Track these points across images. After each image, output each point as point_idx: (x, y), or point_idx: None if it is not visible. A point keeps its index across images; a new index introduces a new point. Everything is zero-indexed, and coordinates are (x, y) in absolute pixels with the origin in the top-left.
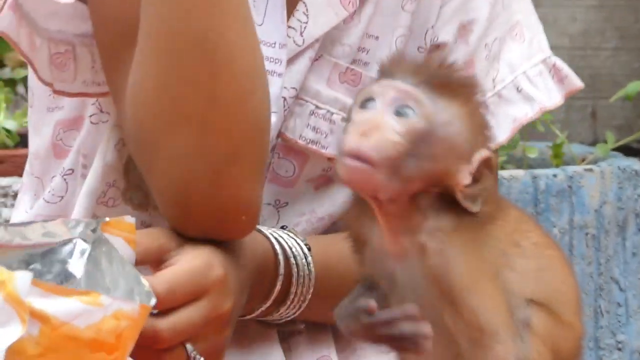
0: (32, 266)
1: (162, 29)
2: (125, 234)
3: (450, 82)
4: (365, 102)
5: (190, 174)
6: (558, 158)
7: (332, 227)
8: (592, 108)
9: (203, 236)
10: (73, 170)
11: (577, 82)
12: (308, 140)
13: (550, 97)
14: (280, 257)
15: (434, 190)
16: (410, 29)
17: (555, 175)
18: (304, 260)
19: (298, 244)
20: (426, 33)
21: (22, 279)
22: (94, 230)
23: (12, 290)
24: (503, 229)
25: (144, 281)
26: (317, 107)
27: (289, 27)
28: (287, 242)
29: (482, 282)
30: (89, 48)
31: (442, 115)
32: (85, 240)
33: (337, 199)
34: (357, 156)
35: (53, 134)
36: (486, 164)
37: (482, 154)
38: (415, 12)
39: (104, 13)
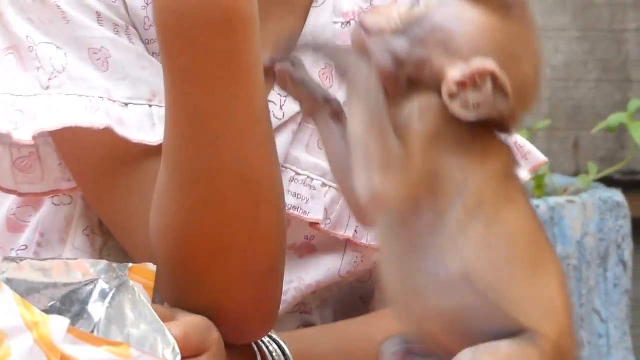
0: (51, 303)
1: (196, 163)
2: (145, 281)
3: None
4: None
5: (236, 292)
6: (540, 189)
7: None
8: (574, 139)
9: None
10: (27, 247)
11: (540, 157)
12: (289, 206)
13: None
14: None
15: (427, 80)
16: None
17: (537, 207)
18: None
19: (280, 347)
20: None
21: (58, 324)
22: (118, 275)
23: (45, 334)
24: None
25: (171, 337)
26: (297, 173)
27: (269, 101)
28: (267, 347)
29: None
30: (53, 146)
31: (446, 9)
32: (107, 283)
33: (322, 266)
34: (361, 26)
35: (8, 208)
36: (493, 78)
37: (485, 63)
38: None
39: (79, 145)
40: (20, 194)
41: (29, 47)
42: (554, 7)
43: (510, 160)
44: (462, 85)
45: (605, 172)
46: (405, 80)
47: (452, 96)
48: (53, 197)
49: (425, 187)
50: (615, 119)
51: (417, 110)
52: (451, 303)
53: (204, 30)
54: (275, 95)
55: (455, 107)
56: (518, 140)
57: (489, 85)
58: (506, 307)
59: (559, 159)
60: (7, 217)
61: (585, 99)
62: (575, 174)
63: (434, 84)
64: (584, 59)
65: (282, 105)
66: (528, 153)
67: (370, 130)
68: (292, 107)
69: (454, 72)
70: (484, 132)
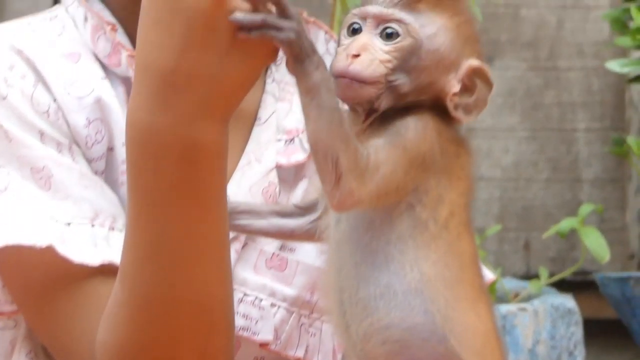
0: None
1: (152, 286)
2: None
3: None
4: (351, 29)
5: None
6: (491, 294)
7: None
8: (525, 240)
9: None
10: None
11: (489, 275)
12: (239, 328)
13: None
14: None
15: (427, 101)
16: None
17: None
18: None
19: None
20: None
21: None
22: None
23: None
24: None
25: None
26: (245, 294)
27: None
28: None
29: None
30: None
31: (426, 29)
32: None
33: None
34: (347, 75)
35: None
36: (478, 74)
37: (471, 62)
38: None
39: (20, 264)
40: None
41: None
42: (502, 108)
43: (473, 182)
44: (460, 93)
45: (557, 277)
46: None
47: (456, 107)
48: None
49: (395, 197)
50: (566, 224)
51: (413, 128)
52: (399, 319)
53: (165, 159)
54: None
55: (461, 115)
56: None
57: (479, 84)
58: (448, 330)
59: (510, 260)
60: None
61: (535, 199)
62: (527, 275)
63: (427, 101)
64: (533, 159)
65: None
66: None
67: (333, 133)
68: None
69: (453, 86)
70: (463, 149)
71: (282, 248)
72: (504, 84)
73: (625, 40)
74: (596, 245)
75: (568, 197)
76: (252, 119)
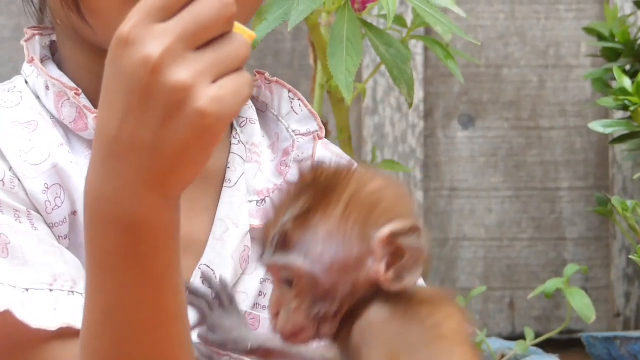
0: None
1: (109, 354)
2: None
3: (299, 224)
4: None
5: None
6: None
7: None
8: (509, 299)
9: None
10: None
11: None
12: None
13: None
14: None
15: (363, 298)
16: None
17: None
18: None
19: None
20: None
21: None
22: None
23: None
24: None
25: None
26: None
27: None
28: None
29: None
30: None
31: (312, 254)
32: None
33: None
34: (281, 336)
35: None
36: (396, 236)
37: (380, 234)
38: None
39: None
40: None
41: None
42: (485, 168)
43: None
44: (391, 265)
45: (543, 338)
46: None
47: (392, 282)
48: None
49: None
50: (551, 284)
51: (369, 332)
52: None
53: (111, 228)
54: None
55: (398, 287)
56: None
57: (404, 242)
58: None
59: (495, 319)
60: None
61: (519, 258)
62: (512, 335)
63: (369, 294)
64: (517, 219)
65: None
66: None
67: None
68: None
69: (378, 269)
70: (438, 307)
71: (254, 306)
72: (487, 144)
73: (607, 101)
74: (582, 305)
75: (552, 256)
76: (220, 181)
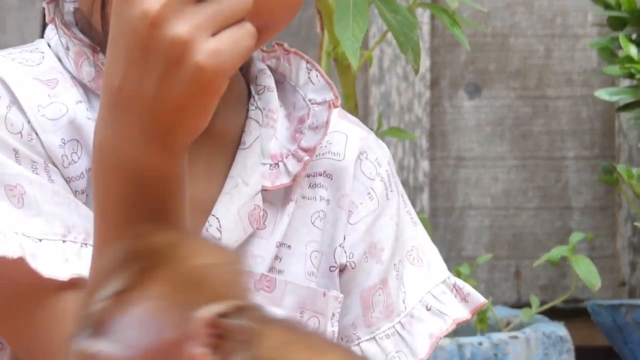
0: None
1: None
2: None
3: (116, 303)
4: None
5: None
6: (483, 323)
7: None
8: (515, 268)
9: None
10: None
11: (480, 299)
12: None
13: (459, 311)
14: None
15: None
16: (321, 245)
17: (480, 344)
18: None
19: None
20: (335, 252)
21: None
22: None
23: None
24: None
25: None
26: None
27: None
28: None
29: None
30: None
31: (125, 343)
32: None
33: None
34: None
35: None
36: (217, 320)
37: (200, 317)
38: (323, 230)
39: None
40: None
41: None
42: (491, 137)
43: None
44: (213, 353)
45: (548, 305)
46: None
47: None
48: None
49: None
50: (556, 252)
51: None
52: None
53: (113, 177)
54: (210, 238)
55: None
56: (457, 282)
57: (228, 329)
58: None
59: (500, 288)
60: None
61: (525, 227)
62: (518, 303)
63: None
64: (523, 187)
65: None
66: (467, 295)
67: None
68: None
69: (200, 352)
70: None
71: (270, 269)
72: (493, 113)
73: (614, 70)
74: (587, 273)
75: (558, 225)
76: (235, 144)
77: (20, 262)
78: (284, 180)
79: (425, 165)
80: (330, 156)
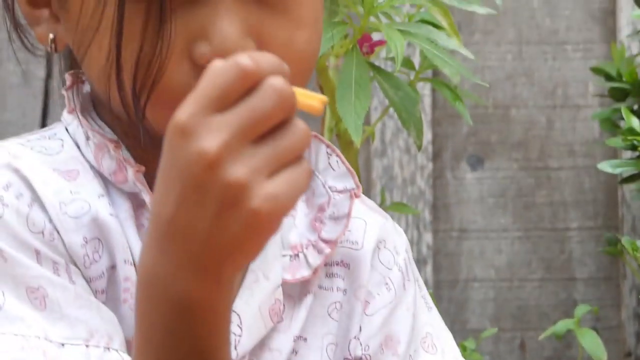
0: None
1: None
2: None
3: None
4: None
5: None
6: None
7: None
8: (520, 340)
9: None
10: None
11: None
12: None
13: None
14: None
15: None
16: (336, 337)
17: None
18: None
19: None
20: (349, 343)
21: None
22: None
23: None
24: None
25: None
26: None
27: None
28: None
29: None
30: None
31: None
32: None
33: None
34: None
35: None
36: None
37: None
38: (339, 321)
39: None
40: None
41: None
42: (494, 208)
43: None
44: None
45: None
46: None
47: None
48: None
49: None
50: (562, 325)
51: None
52: None
53: (159, 305)
54: (231, 335)
55: None
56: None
57: None
58: None
59: None
60: None
61: (530, 299)
62: None
63: None
64: (527, 259)
65: (236, 345)
66: None
67: None
68: (244, 346)
69: None
70: None
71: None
72: (495, 184)
73: (616, 141)
74: (593, 346)
75: (563, 297)
76: None
77: None
78: (304, 273)
79: (428, 237)
80: (348, 245)
